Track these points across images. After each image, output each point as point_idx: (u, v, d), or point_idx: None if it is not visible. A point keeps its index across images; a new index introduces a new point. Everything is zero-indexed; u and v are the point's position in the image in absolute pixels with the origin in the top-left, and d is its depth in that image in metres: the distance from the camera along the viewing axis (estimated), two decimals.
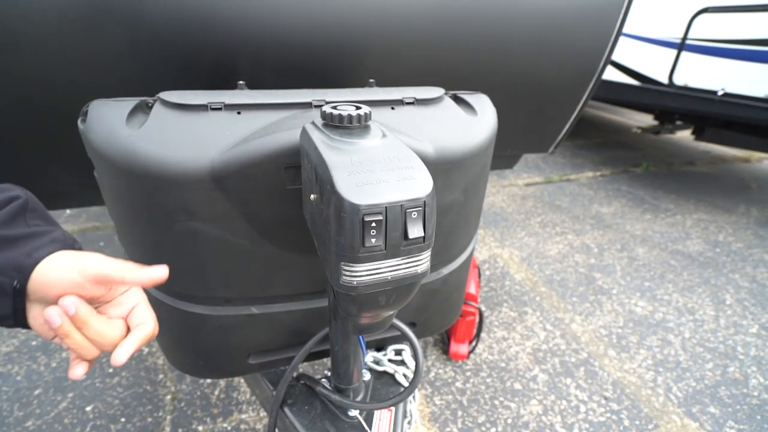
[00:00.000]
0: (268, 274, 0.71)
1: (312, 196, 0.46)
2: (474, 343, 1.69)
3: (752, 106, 2.56)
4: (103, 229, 2.59)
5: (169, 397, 1.51)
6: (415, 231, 0.39)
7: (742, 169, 3.99)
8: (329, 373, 0.87)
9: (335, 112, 0.47)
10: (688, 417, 1.48)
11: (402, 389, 0.80)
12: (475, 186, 0.77)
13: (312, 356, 0.85)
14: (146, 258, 0.69)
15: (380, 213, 0.37)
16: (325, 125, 0.50)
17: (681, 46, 2.84)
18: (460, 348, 1.63)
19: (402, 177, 0.40)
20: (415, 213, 0.39)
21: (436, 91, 0.80)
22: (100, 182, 0.68)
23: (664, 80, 2.97)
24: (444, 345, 1.72)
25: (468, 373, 1.63)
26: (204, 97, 0.67)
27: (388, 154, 0.43)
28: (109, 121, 0.61)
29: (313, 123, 0.52)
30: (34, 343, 1.73)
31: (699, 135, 3.24)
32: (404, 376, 0.84)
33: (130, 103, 0.66)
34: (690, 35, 2.79)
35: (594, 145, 4.41)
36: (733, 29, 2.56)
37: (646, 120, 3.82)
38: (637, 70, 3.11)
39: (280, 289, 0.74)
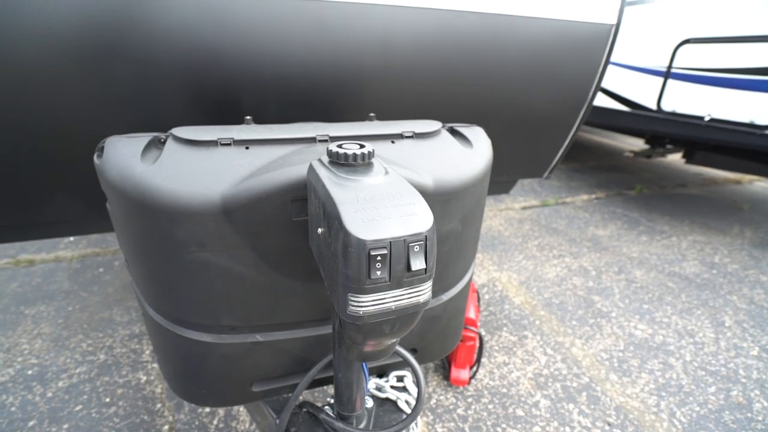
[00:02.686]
0: (273, 302, 0.73)
1: (320, 230, 0.49)
2: (475, 369, 1.69)
3: (738, 131, 2.65)
4: (103, 255, 2.59)
5: (166, 427, 1.48)
6: (418, 263, 0.42)
7: (734, 191, 4.07)
8: (332, 401, 0.87)
9: (341, 150, 0.51)
10: None
11: (405, 416, 0.80)
12: (472, 215, 0.80)
13: (315, 383, 0.86)
14: (156, 287, 0.71)
15: (385, 247, 0.40)
16: (331, 162, 0.53)
17: (667, 74, 2.96)
18: (461, 374, 1.62)
19: (404, 213, 0.43)
20: (417, 247, 0.42)
21: (433, 125, 0.85)
22: (113, 215, 0.71)
23: (653, 106, 3.08)
24: (445, 371, 1.71)
25: (470, 399, 1.61)
26: (214, 133, 0.71)
27: (391, 190, 0.47)
28: (124, 157, 0.64)
29: (320, 160, 0.55)
30: (30, 372, 1.71)
31: (689, 158, 3.32)
32: (406, 402, 0.84)
33: (144, 139, 0.70)
34: (675, 64, 2.91)
35: (588, 168, 4.50)
36: (715, 59, 2.68)
37: (639, 144, 3.92)
38: (627, 97, 3.22)
39: (284, 317, 0.76)
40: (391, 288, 0.42)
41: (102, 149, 0.69)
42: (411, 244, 0.42)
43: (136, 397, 1.60)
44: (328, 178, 0.49)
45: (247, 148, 0.69)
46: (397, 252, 0.41)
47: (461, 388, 1.66)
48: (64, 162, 1.12)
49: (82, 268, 2.44)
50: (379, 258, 0.40)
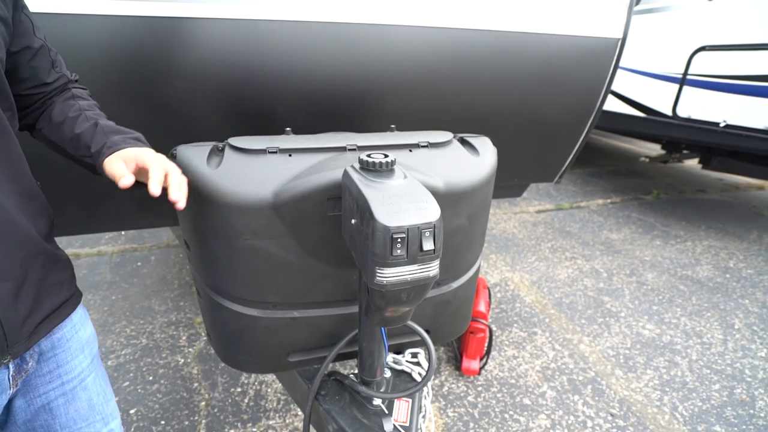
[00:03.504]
0: (309, 283, 0.88)
1: (353, 221, 0.63)
2: (485, 360, 1.80)
3: (753, 137, 2.67)
4: (140, 251, 2.82)
5: (203, 403, 1.65)
6: (428, 245, 0.55)
7: (755, 197, 4.02)
8: (355, 371, 1.01)
9: (369, 159, 0.65)
10: None
11: (417, 383, 0.93)
12: (478, 213, 0.93)
13: (341, 357, 1.00)
14: (214, 268, 0.86)
15: (403, 232, 0.54)
16: (362, 168, 0.68)
17: (683, 81, 3.00)
18: (471, 364, 1.74)
19: (419, 207, 0.57)
20: (428, 232, 0.55)
21: (445, 136, 0.98)
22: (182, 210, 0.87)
23: (669, 112, 3.12)
24: (456, 362, 1.83)
25: (479, 388, 1.73)
26: (262, 143, 0.86)
27: (408, 190, 0.60)
28: (194, 162, 0.80)
29: (353, 166, 0.69)
30: None
31: (705, 164, 3.33)
32: (419, 374, 0.97)
33: (207, 147, 0.86)
34: (690, 71, 2.95)
35: (605, 173, 4.52)
36: (731, 66, 2.71)
37: (656, 149, 3.93)
38: (643, 103, 3.27)
39: (317, 296, 0.90)
40: (407, 263, 0.56)
41: (174, 155, 0.85)
42: (423, 230, 0.55)
43: (176, 376, 1.78)
44: (360, 180, 0.63)
45: (290, 155, 0.84)
46: (412, 236, 0.54)
47: (472, 377, 1.77)
48: None
49: (122, 262, 2.66)
50: (399, 240, 0.54)
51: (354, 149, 0.88)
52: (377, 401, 0.88)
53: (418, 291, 0.60)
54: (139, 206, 1.51)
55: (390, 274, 0.56)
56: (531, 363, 1.87)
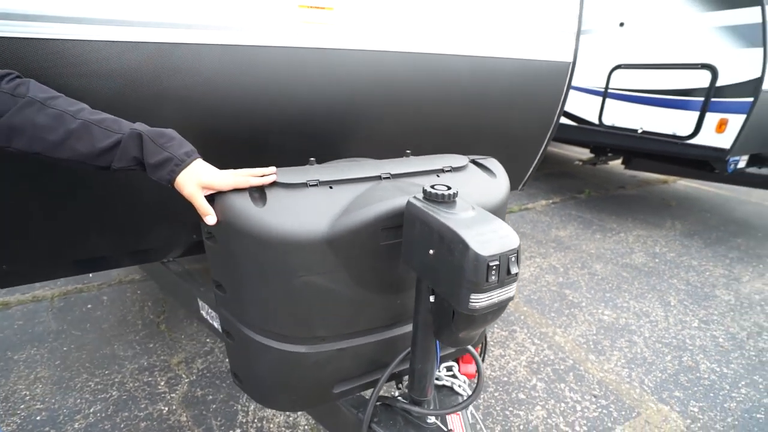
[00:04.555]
0: (355, 313, 0.89)
1: (431, 251, 0.67)
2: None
3: (664, 141, 3.16)
4: (88, 291, 2.52)
5: None
6: (514, 269, 0.61)
7: (662, 190, 4.72)
8: (396, 394, 1.03)
9: (438, 192, 0.69)
10: (661, 402, 1.77)
11: (462, 397, 0.98)
12: None
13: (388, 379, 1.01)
14: (262, 310, 0.84)
15: (497, 259, 0.59)
16: (427, 200, 0.72)
17: (605, 95, 3.44)
18: (468, 368, 1.82)
19: (500, 235, 0.63)
20: (513, 257, 0.61)
21: (462, 159, 1.06)
22: (216, 250, 0.83)
23: (596, 121, 3.55)
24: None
25: None
26: (297, 175, 0.86)
27: (483, 219, 0.66)
28: (239, 202, 0.78)
29: (416, 197, 0.73)
30: (38, 418, 1.67)
31: (627, 164, 3.85)
32: (459, 387, 1.02)
33: None
34: (610, 86, 3.40)
35: (543, 176, 4.98)
36: (642, 81, 3.19)
37: (586, 153, 4.44)
38: (575, 114, 3.69)
39: (363, 324, 0.92)
40: (497, 287, 0.61)
41: (213, 193, 0.81)
42: (510, 256, 0.61)
43: (162, 428, 1.63)
44: (434, 212, 0.67)
45: (330, 187, 0.85)
46: (503, 262, 0.60)
47: (469, 380, 1.86)
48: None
49: (67, 307, 2.36)
50: (494, 267, 0.59)
51: (388, 177, 0.92)
52: (431, 419, 0.91)
53: (498, 311, 0.66)
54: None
55: (482, 299, 0.61)
56: (517, 359, 2.01)
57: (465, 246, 0.60)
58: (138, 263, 1.60)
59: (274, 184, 0.83)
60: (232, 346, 0.95)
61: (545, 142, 2.10)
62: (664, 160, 3.46)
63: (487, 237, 0.61)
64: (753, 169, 3.32)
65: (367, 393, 1.00)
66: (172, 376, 1.86)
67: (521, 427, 1.64)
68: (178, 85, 1.09)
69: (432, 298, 0.76)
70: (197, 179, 0.73)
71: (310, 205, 0.79)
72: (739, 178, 3.27)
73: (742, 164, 3.19)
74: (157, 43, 1.05)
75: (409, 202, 0.73)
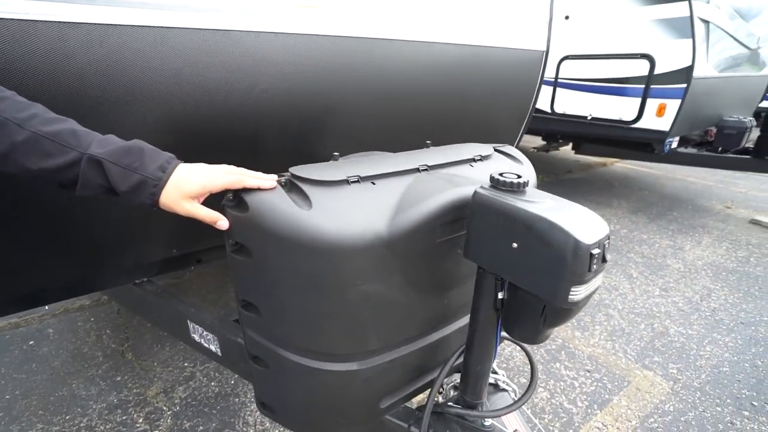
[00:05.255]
0: (407, 318, 0.82)
1: (514, 245, 0.62)
2: None
3: (611, 126, 3.40)
4: (26, 325, 2.15)
5: None
6: (607, 255, 0.58)
7: (604, 172, 5.13)
8: (439, 399, 0.98)
9: (514, 180, 0.64)
10: (645, 369, 1.91)
11: (507, 393, 0.95)
12: None
13: (423, 387, 0.95)
14: (307, 328, 0.73)
15: (598, 247, 0.56)
16: (499, 189, 0.66)
17: (555, 84, 3.63)
18: None
19: (589, 221, 0.59)
20: (607, 243, 0.58)
21: (487, 148, 1.02)
22: (249, 264, 0.71)
23: (548, 110, 3.74)
24: None
25: None
26: (330, 171, 0.76)
27: (567, 206, 0.62)
28: (280, 204, 0.67)
29: (483, 187, 0.68)
30: None
31: (577, 149, 4.11)
32: (504, 383, 0.99)
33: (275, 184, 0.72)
34: (560, 75, 3.59)
35: None
36: (589, 71, 3.41)
37: (537, 140, 4.68)
38: None
39: (412, 330, 0.85)
40: (594, 276, 0.58)
41: (238, 200, 0.69)
42: (605, 242, 0.58)
43: None
44: (513, 201, 0.62)
45: (373, 183, 0.77)
46: (601, 249, 0.57)
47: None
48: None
49: (3, 346, 2.00)
50: (596, 255, 0.55)
51: (426, 169, 0.85)
52: (488, 421, 0.86)
53: (588, 300, 0.62)
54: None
55: (583, 291, 0.57)
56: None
57: (566, 235, 0.55)
58: (104, 288, 1.37)
59: (309, 182, 0.72)
60: (264, 373, 0.83)
61: (522, 129, 2.15)
62: (611, 144, 3.74)
63: (582, 224, 0.58)
64: (681, 149, 3.71)
65: (409, 401, 0.93)
66: (151, 410, 1.64)
67: (530, 410, 1.66)
68: (149, 77, 0.93)
69: (501, 294, 0.71)
70: (183, 192, 0.62)
71: (361, 204, 0.70)
72: (673, 157, 3.63)
73: (674, 145, 3.54)
74: (123, 25, 0.88)
75: (477, 193, 0.67)
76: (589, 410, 1.68)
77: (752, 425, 1.61)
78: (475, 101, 1.82)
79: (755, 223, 3.60)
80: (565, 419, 1.63)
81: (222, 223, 0.67)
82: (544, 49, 1.96)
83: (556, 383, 1.81)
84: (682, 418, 1.64)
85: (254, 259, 0.69)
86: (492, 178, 0.67)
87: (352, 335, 0.75)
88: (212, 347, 1.23)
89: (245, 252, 0.70)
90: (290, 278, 0.69)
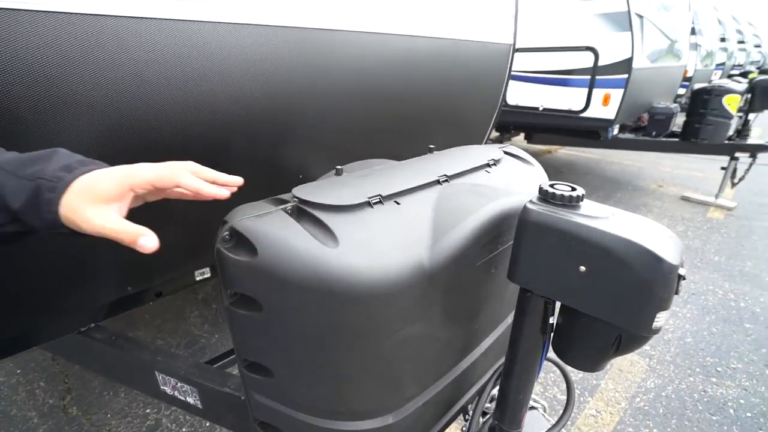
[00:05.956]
0: (441, 354, 0.72)
1: (582, 269, 0.54)
2: None
3: (561, 116, 3.55)
4: None
5: None
6: (684, 271, 0.52)
7: (551, 159, 5.39)
8: (467, 429, 0.89)
9: (573, 194, 0.56)
10: None
11: (543, 410, 0.89)
12: None
13: (452, 419, 0.86)
14: (340, 386, 0.60)
15: (681, 265, 0.49)
16: (547, 203, 0.58)
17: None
18: None
19: (664, 236, 0.53)
20: (683, 258, 0.52)
21: (498, 152, 0.94)
22: (269, 322, 0.56)
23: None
24: None
25: None
26: (344, 192, 0.64)
27: (636, 221, 0.55)
28: (298, 243, 0.53)
29: (533, 202, 0.59)
30: None
31: (530, 139, 4.26)
32: (534, 400, 0.93)
33: (277, 215, 0.58)
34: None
35: None
36: (540, 63, 3.51)
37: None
38: None
39: (446, 365, 0.75)
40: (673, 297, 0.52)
41: (237, 238, 0.54)
42: (683, 259, 0.52)
43: None
44: (579, 218, 0.54)
45: (397, 203, 0.66)
46: (679, 268, 0.51)
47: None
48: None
49: None
50: (681, 276, 0.49)
51: (446, 180, 0.75)
52: None
53: None
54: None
55: (665, 315, 0.51)
56: None
57: (653, 257, 0.48)
58: (40, 344, 1.11)
59: (321, 208, 0.59)
60: None
61: (492, 123, 2.13)
62: (561, 133, 3.90)
63: (661, 241, 0.51)
64: (621, 135, 3.97)
65: None
66: None
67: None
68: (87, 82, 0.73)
69: (554, 319, 0.64)
70: (90, 195, 0.43)
71: (393, 232, 0.59)
72: (615, 143, 3.88)
73: (616, 131, 3.77)
74: (73, 13, 0.68)
75: (528, 210, 0.58)
76: (581, 398, 1.70)
77: (721, 390, 1.73)
78: (447, 96, 1.75)
79: (685, 199, 3.97)
80: (561, 411, 1.64)
81: (145, 241, 0.44)
82: (511, 42, 1.94)
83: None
84: (663, 393, 1.72)
85: (265, 314, 0.54)
86: (542, 191, 0.58)
87: (388, 386, 0.63)
88: (190, 399, 1.04)
89: (252, 305, 0.55)
90: (316, 333, 0.55)
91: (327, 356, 0.56)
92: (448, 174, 0.76)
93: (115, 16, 0.74)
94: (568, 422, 1.31)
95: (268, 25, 0.97)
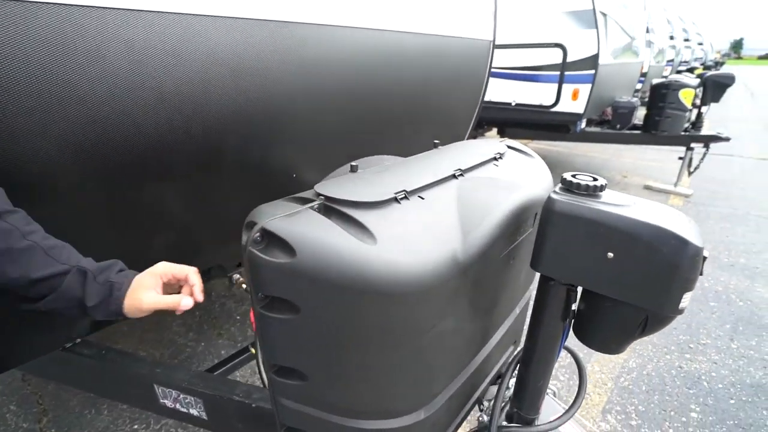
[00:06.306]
0: (466, 346, 0.73)
1: (609, 255, 0.56)
2: None
3: (533, 111, 3.66)
4: None
5: None
6: (707, 253, 0.56)
7: None
8: (485, 418, 0.91)
9: (598, 183, 0.58)
10: None
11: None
12: None
13: (470, 409, 0.87)
14: (377, 385, 0.60)
15: (704, 248, 0.52)
16: (571, 193, 0.60)
17: None
18: None
19: (685, 222, 0.55)
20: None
21: (501, 146, 0.96)
22: (304, 324, 0.54)
23: None
24: None
25: None
26: (368, 188, 0.63)
27: (657, 208, 0.58)
28: (335, 242, 0.52)
29: (557, 192, 0.61)
30: None
31: (502, 134, 4.37)
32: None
33: (312, 214, 0.56)
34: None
35: None
36: (512, 60, 3.60)
37: None
38: None
39: (468, 356, 0.76)
40: None
41: (269, 239, 0.52)
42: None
43: None
44: (606, 207, 0.56)
45: (422, 198, 0.66)
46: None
47: None
48: None
49: None
50: (705, 257, 0.52)
51: (461, 174, 0.76)
52: None
53: None
54: None
55: (690, 295, 0.54)
56: None
57: (680, 240, 0.51)
58: (23, 363, 1.03)
59: (351, 205, 0.58)
60: None
61: (474, 118, 2.17)
62: (533, 127, 4.03)
63: (684, 226, 0.54)
64: (588, 128, 4.16)
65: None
66: None
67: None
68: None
69: (576, 305, 0.66)
70: (142, 286, 0.64)
71: (425, 227, 0.59)
72: (583, 136, 4.05)
73: (583, 125, 3.95)
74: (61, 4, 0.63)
75: (553, 200, 0.60)
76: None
77: (695, 365, 1.86)
78: (432, 92, 1.76)
79: (648, 188, 4.21)
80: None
81: (185, 302, 0.66)
82: (491, 38, 1.98)
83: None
84: (644, 372, 1.82)
85: (303, 316, 0.53)
86: (566, 181, 0.60)
87: (422, 381, 0.63)
88: (193, 411, 1.00)
89: (287, 308, 0.53)
90: (356, 333, 0.54)
91: (366, 356, 0.56)
92: (462, 168, 0.77)
93: (109, 8, 0.69)
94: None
95: (252, 19, 0.94)
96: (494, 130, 4.52)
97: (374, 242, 0.52)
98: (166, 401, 1.02)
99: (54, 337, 1.05)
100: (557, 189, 0.62)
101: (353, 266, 0.49)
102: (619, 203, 0.58)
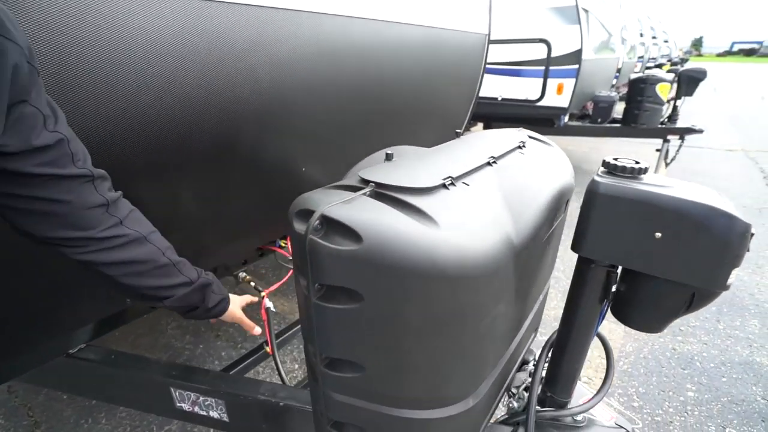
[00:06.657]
0: (509, 330, 0.73)
1: (657, 235, 0.57)
2: None
3: (519, 105, 3.73)
4: None
5: None
6: (754, 230, 0.58)
7: None
8: (513, 405, 0.92)
9: (641, 166, 0.59)
10: None
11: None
12: None
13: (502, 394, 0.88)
14: (438, 373, 0.59)
15: (751, 225, 0.54)
16: (615, 176, 0.61)
17: None
18: None
19: (728, 201, 0.57)
20: None
21: (522, 134, 0.97)
22: (366, 313, 0.53)
23: None
24: None
25: None
26: (412, 174, 0.62)
27: (699, 188, 0.59)
28: (401, 227, 0.50)
29: (600, 175, 0.61)
30: None
31: (488, 128, 4.43)
32: None
33: (368, 200, 0.55)
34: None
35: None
36: (499, 55, 3.65)
37: None
38: None
39: (508, 340, 0.76)
40: None
41: (331, 225, 0.51)
42: None
43: None
44: (653, 188, 0.57)
45: (467, 184, 0.65)
46: None
47: None
48: None
49: None
50: (752, 234, 0.54)
51: (494, 162, 0.76)
52: (580, 416, 0.83)
53: None
54: None
55: (736, 272, 0.56)
56: None
57: (730, 218, 0.53)
58: (25, 372, 0.96)
59: (402, 190, 0.57)
60: None
61: (470, 111, 2.19)
62: (518, 121, 4.10)
63: (729, 204, 0.56)
64: (571, 122, 4.27)
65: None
66: None
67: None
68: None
69: (615, 286, 0.67)
70: (234, 303, 0.90)
71: (478, 212, 0.58)
72: (566, 129, 4.16)
73: (566, 119, 4.05)
74: None
75: (597, 183, 0.61)
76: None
77: (687, 347, 1.95)
78: (429, 85, 1.76)
79: None
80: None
81: (257, 330, 0.99)
82: (487, 32, 2.00)
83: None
84: (641, 355, 1.89)
85: (366, 305, 0.51)
86: (608, 164, 0.61)
87: (475, 368, 0.63)
88: (214, 414, 0.96)
89: (348, 297, 0.52)
90: (420, 320, 0.53)
91: (430, 343, 0.55)
92: (495, 156, 0.77)
93: None
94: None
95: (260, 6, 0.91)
96: (480, 125, 4.58)
97: (437, 227, 0.52)
98: (183, 404, 0.98)
99: (58, 341, 0.99)
100: (600, 172, 0.62)
101: (421, 251, 0.48)
102: (663, 184, 0.59)
